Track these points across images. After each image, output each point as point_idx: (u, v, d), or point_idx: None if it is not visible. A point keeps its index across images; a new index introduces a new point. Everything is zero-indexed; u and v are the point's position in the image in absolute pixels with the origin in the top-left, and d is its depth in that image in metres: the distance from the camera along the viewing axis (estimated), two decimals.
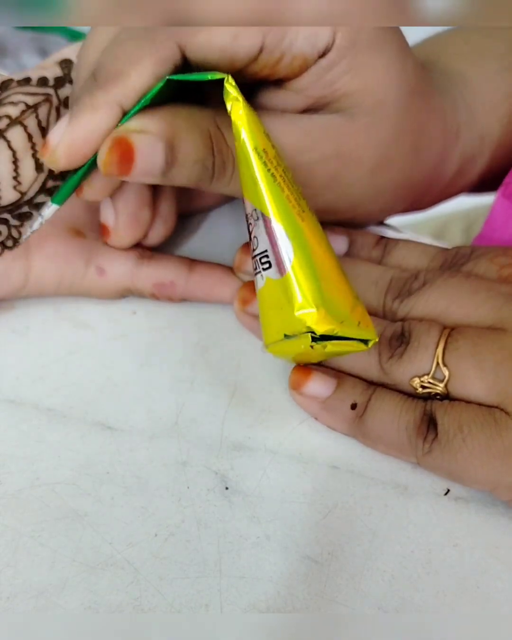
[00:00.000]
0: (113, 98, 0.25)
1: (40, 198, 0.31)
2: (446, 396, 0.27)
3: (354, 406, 0.28)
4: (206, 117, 0.27)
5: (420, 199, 0.36)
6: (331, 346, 0.25)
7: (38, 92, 0.30)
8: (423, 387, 0.27)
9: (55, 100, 0.31)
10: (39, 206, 0.31)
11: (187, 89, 0.27)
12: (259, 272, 0.26)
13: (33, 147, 0.30)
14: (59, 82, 0.31)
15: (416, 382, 0.27)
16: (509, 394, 0.26)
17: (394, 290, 0.30)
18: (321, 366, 0.30)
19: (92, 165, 0.27)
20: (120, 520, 0.27)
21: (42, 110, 0.30)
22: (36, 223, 0.29)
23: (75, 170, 0.27)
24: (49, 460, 0.29)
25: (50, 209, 0.28)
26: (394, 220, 0.38)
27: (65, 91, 0.31)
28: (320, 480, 0.29)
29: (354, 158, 0.30)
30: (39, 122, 0.30)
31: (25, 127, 0.30)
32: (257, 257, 0.26)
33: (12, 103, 0.30)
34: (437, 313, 0.29)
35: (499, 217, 0.37)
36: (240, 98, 0.25)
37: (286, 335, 0.26)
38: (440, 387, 0.27)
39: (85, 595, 0.26)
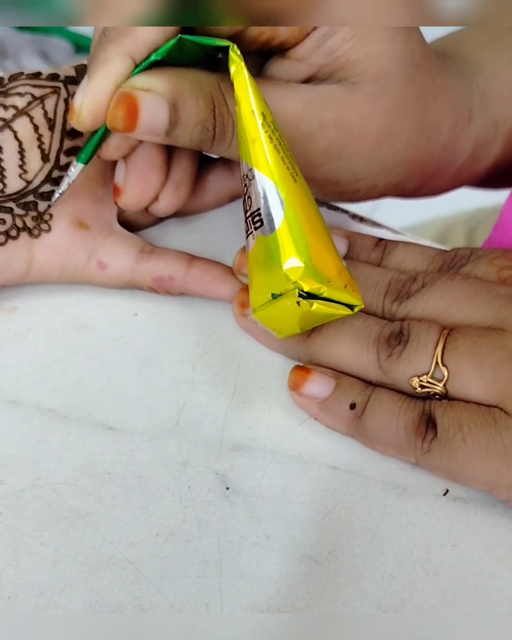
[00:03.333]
0: (124, 49, 0.26)
1: (46, 187, 0.31)
2: (445, 396, 0.27)
3: (352, 406, 0.28)
4: (210, 82, 0.27)
5: (431, 181, 0.36)
6: (317, 305, 0.26)
7: (46, 85, 0.31)
8: (422, 386, 0.27)
9: (63, 93, 0.31)
10: (44, 195, 0.31)
11: (197, 59, 0.28)
12: (251, 233, 0.27)
13: (39, 138, 0.30)
14: (70, 79, 0.31)
15: (415, 381, 0.27)
16: (509, 393, 0.26)
17: (393, 292, 0.30)
18: (320, 366, 0.30)
19: None
20: (121, 520, 0.27)
21: (49, 102, 0.31)
22: (64, 184, 0.30)
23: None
24: (50, 461, 0.29)
25: (76, 168, 0.29)
26: (394, 222, 0.38)
27: (74, 88, 0.31)
28: (320, 481, 0.29)
29: (356, 128, 0.30)
30: (46, 113, 0.30)
31: (31, 118, 0.30)
32: (250, 218, 0.27)
33: (19, 94, 0.30)
34: (436, 315, 0.29)
35: (509, 220, 0.37)
36: (243, 65, 0.26)
37: (273, 295, 0.26)
38: (439, 387, 0.27)
39: (86, 594, 0.26)
